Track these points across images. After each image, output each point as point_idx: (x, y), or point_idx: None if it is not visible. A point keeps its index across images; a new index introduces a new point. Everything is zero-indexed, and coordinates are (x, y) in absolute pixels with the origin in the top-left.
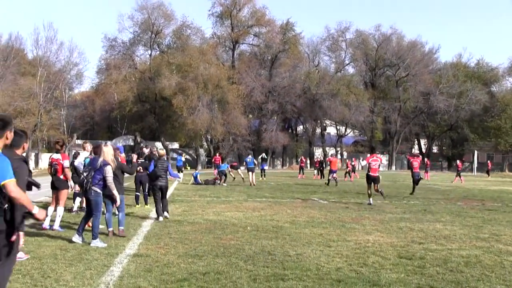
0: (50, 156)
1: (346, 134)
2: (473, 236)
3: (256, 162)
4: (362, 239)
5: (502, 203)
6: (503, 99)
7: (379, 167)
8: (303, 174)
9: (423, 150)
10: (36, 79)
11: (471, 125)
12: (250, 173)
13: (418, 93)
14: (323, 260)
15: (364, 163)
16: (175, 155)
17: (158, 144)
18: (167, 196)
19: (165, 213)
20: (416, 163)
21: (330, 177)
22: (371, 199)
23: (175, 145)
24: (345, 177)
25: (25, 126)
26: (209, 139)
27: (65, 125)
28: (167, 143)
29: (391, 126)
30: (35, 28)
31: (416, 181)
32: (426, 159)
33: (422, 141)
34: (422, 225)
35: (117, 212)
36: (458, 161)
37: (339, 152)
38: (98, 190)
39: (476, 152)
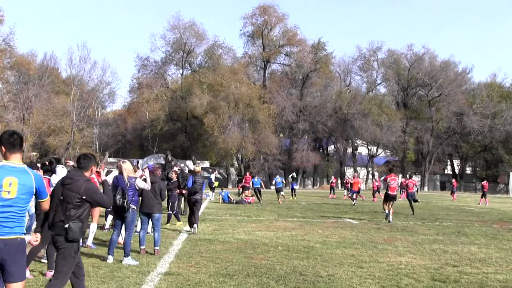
0: None
1: (377, 154)
2: (510, 260)
3: (284, 182)
4: (394, 261)
5: None
6: None
7: (397, 186)
8: (334, 194)
9: (456, 171)
10: (70, 98)
11: (506, 146)
12: (278, 193)
13: (451, 113)
14: (355, 282)
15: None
16: (205, 174)
17: (189, 163)
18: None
19: (195, 227)
20: (393, 182)
21: (351, 196)
22: (390, 216)
23: (206, 164)
24: (373, 197)
25: (58, 144)
26: (240, 158)
27: (97, 143)
28: (198, 161)
29: (423, 147)
30: (69, 48)
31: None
32: (453, 180)
33: (455, 162)
34: (456, 248)
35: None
36: (484, 182)
37: (371, 172)
38: (134, 207)
39: (511, 173)
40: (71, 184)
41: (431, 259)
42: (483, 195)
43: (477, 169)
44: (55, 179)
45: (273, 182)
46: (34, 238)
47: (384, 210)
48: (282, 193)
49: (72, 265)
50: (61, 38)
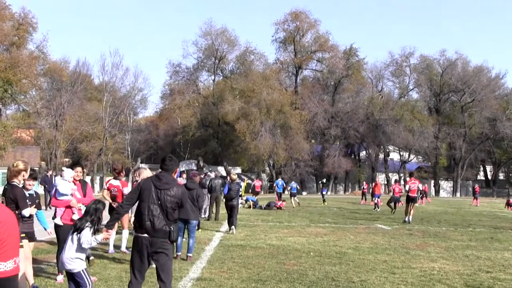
0: (108, 181)
1: (409, 160)
2: None
3: (298, 188)
4: (427, 267)
5: None
6: None
7: (417, 189)
8: (365, 200)
9: (489, 177)
10: (102, 104)
11: None
12: (292, 198)
13: (484, 119)
14: (387, 287)
15: (406, 187)
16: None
17: (221, 169)
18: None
19: (233, 228)
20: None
21: (374, 201)
22: (409, 217)
23: (238, 170)
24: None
25: (91, 150)
26: (272, 164)
27: (129, 149)
28: (230, 167)
29: (455, 152)
30: (101, 54)
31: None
32: (476, 186)
33: (488, 168)
34: (489, 254)
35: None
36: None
37: (402, 178)
38: None
39: None
40: (169, 189)
41: (464, 265)
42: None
43: (510, 175)
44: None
45: (288, 188)
46: (106, 235)
47: (405, 215)
48: (295, 198)
49: None
50: (94, 45)
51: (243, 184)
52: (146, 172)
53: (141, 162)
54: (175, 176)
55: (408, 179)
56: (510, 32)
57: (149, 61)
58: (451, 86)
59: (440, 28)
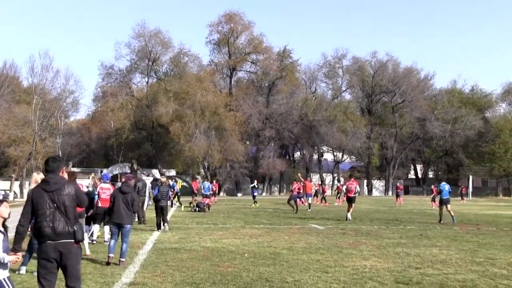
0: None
1: (343, 160)
2: (468, 260)
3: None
4: (359, 265)
5: (497, 227)
6: (497, 125)
7: (355, 189)
8: (300, 200)
9: (419, 175)
10: (31, 107)
11: (466, 150)
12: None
13: (414, 119)
14: (320, 286)
15: (344, 187)
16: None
17: (155, 172)
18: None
19: (166, 225)
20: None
21: (304, 202)
22: (348, 215)
23: (172, 172)
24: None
25: (19, 155)
26: (206, 166)
27: (60, 153)
28: (164, 170)
29: (387, 152)
30: (30, 56)
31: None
32: (398, 184)
33: (418, 166)
34: (419, 250)
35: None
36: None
37: (336, 178)
38: None
39: (471, 177)
40: (60, 189)
41: (395, 262)
42: (433, 199)
43: (439, 173)
44: None
45: (290, 189)
46: (14, 258)
47: (291, 206)
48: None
49: None
50: (22, 47)
51: (177, 186)
52: (38, 176)
53: (73, 166)
54: (65, 175)
55: (342, 180)
56: (438, 34)
57: (80, 63)
58: (382, 87)
59: (372, 30)
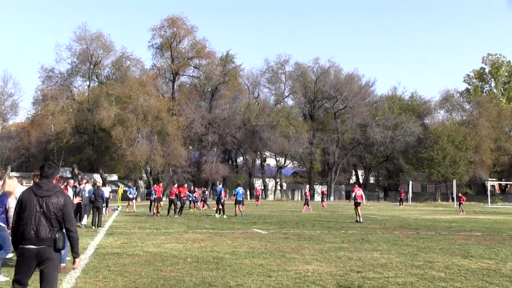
0: None
1: (285, 165)
2: (408, 264)
3: (244, 196)
4: (302, 269)
5: (435, 232)
6: (435, 131)
7: (362, 195)
8: (243, 205)
9: (361, 181)
10: None
11: (406, 156)
12: (237, 205)
13: (356, 125)
14: None
15: (353, 194)
16: (114, 187)
17: (97, 176)
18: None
19: (100, 223)
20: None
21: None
22: (359, 218)
23: (114, 177)
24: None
25: None
26: (149, 171)
27: None
28: (106, 175)
29: (329, 157)
30: None
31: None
32: (322, 189)
33: (360, 172)
34: (360, 254)
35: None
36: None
37: (279, 183)
38: (3, 224)
39: (410, 182)
40: (51, 196)
41: (337, 266)
42: (322, 200)
43: (380, 178)
44: None
45: (234, 193)
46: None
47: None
48: (241, 205)
49: None
50: None
51: (119, 190)
52: (11, 181)
53: (12, 170)
54: (55, 182)
55: (307, 188)
56: (378, 41)
57: (19, 66)
58: (324, 93)
59: (314, 36)
